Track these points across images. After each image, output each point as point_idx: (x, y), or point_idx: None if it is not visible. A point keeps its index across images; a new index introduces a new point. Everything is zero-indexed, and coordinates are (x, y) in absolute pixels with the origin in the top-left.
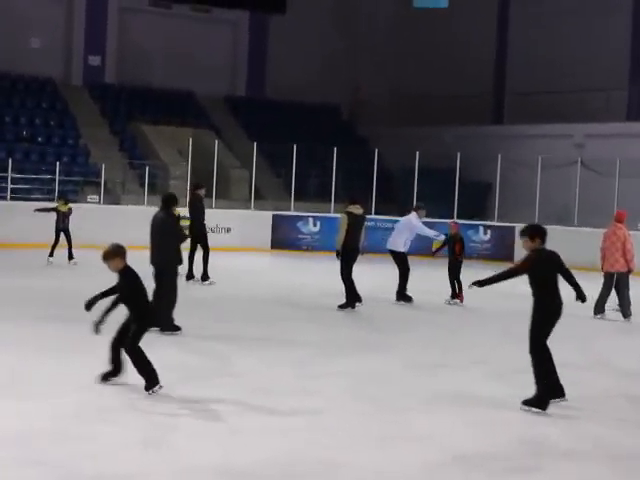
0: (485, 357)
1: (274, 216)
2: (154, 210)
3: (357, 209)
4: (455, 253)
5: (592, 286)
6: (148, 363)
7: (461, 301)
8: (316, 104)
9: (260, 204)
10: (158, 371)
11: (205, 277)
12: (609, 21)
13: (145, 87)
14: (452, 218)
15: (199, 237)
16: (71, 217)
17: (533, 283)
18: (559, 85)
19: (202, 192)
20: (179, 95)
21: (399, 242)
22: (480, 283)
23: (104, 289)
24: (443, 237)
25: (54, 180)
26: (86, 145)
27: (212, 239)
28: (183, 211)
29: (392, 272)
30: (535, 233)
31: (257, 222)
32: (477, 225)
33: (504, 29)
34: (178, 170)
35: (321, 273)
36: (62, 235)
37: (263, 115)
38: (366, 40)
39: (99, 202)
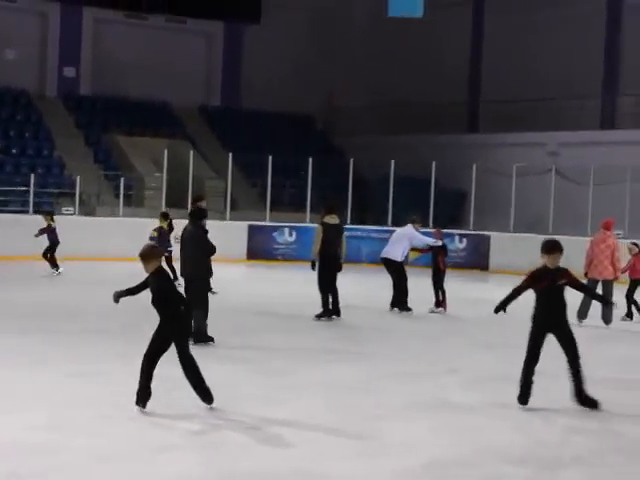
0: (459, 365)
1: (250, 226)
2: (129, 221)
3: (332, 219)
4: (438, 262)
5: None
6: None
7: (445, 309)
8: (291, 114)
9: (236, 214)
10: (136, 380)
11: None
12: (584, 29)
13: (120, 98)
14: (429, 227)
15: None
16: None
17: None
18: (533, 94)
19: (203, 204)
20: (154, 106)
21: (397, 252)
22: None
23: (134, 286)
24: (440, 243)
25: (28, 192)
26: (61, 157)
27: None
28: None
29: (370, 281)
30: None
31: (233, 232)
32: (452, 234)
33: (479, 38)
34: (153, 181)
35: (297, 283)
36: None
37: (238, 125)
38: (341, 49)
39: (74, 213)
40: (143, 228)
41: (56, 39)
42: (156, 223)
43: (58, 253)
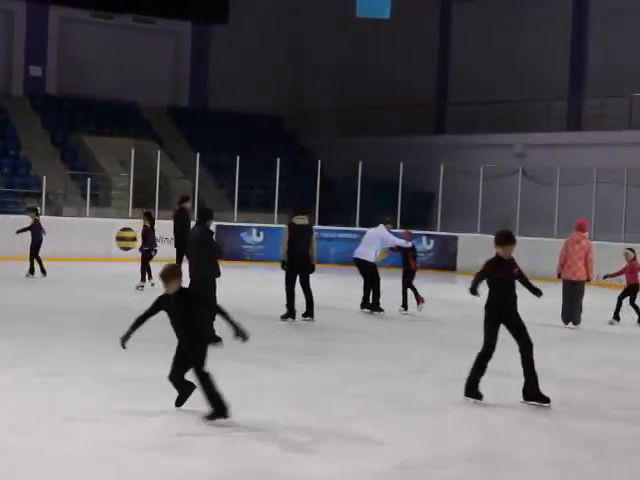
0: (427, 366)
1: (217, 227)
2: (96, 221)
3: (301, 219)
4: (408, 263)
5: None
6: (215, 388)
7: (422, 302)
8: (259, 115)
9: None
10: (103, 381)
11: None
12: (550, 32)
13: (87, 98)
14: (397, 228)
15: (184, 249)
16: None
17: None
18: (500, 95)
19: (188, 205)
20: (121, 106)
21: (370, 253)
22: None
23: (140, 316)
24: (410, 244)
25: None
26: (27, 156)
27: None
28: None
29: (339, 281)
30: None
31: None
32: (420, 235)
33: (446, 39)
34: (120, 181)
35: (265, 283)
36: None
37: (206, 126)
38: (309, 50)
39: (40, 213)
40: (110, 228)
41: (22, 38)
42: (125, 223)
43: (20, 252)
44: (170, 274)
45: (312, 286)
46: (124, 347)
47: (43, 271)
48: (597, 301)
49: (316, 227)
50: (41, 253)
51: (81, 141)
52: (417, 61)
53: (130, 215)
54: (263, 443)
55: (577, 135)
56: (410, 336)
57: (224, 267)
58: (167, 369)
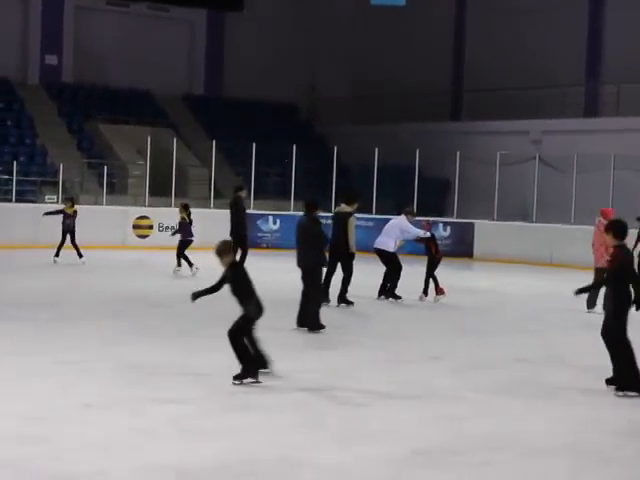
0: (444, 352)
1: None
2: (111, 209)
3: (340, 207)
4: (432, 251)
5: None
6: (248, 353)
7: (442, 293)
8: (274, 102)
9: (219, 203)
10: (119, 368)
11: None
12: (566, 18)
13: (103, 86)
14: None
15: (240, 238)
16: (63, 217)
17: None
18: (516, 82)
19: (243, 194)
20: (137, 94)
21: (389, 242)
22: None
23: (211, 285)
24: (429, 234)
25: (11, 180)
26: (43, 145)
27: (171, 238)
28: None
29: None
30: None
31: (216, 220)
32: (437, 222)
33: (461, 26)
34: (136, 169)
35: (281, 271)
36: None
37: (221, 113)
38: (324, 37)
39: (57, 202)
40: (126, 216)
41: (38, 27)
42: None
43: (39, 240)
44: (222, 250)
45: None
46: (193, 301)
47: (57, 255)
48: None
49: (331, 215)
50: (57, 240)
51: (97, 129)
52: (433, 47)
53: (146, 203)
54: (279, 431)
55: (594, 121)
56: (427, 323)
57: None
58: (184, 357)
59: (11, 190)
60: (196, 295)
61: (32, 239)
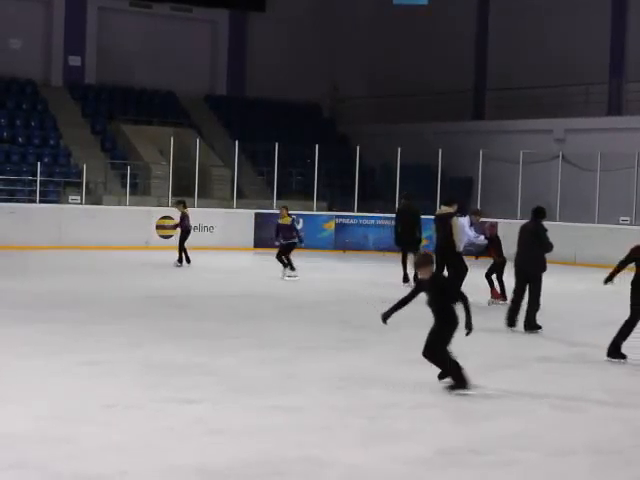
0: (469, 351)
1: (256, 214)
2: (135, 210)
3: (441, 210)
4: (492, 255)
5: (571, 279)
6: (456, 365)
7: (498, 298)
8: (297, 102)
9: (242, 203)
10: (143, 369)
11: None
12: (589, 15)
13: (125, 87)
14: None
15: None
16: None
17: None
18: (539, 80)
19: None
20: (160, 94)
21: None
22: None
23: (403, 298)
24: (482, 237)
25: (35, 181)
26: (67, 146)
27: (194, 238)
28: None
29: (378, 270)
30: None
31: (239, 221)
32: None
33: (484, 24)
34: (159, 169)
35: (304, 271)
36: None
37: (244, 114)
38: (346, 37)
39: (81, 202)
40: (149, 217)
41: (61, 28)
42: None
43: (62, 241)
44: (422, 262)
45: (354, 273)
46: (385, 323)
47: (188, 260)
48: None
49: (354, 215)
50: (81, 241)
51: (120, 130)
52: (455, 46)
53: (169, 203)
54: (302, 431)
55: (617, 120)
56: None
57: (263, 255)
58: (207, 357)
59: (35, 191)
60: (386, 315)
61: (56, 240)
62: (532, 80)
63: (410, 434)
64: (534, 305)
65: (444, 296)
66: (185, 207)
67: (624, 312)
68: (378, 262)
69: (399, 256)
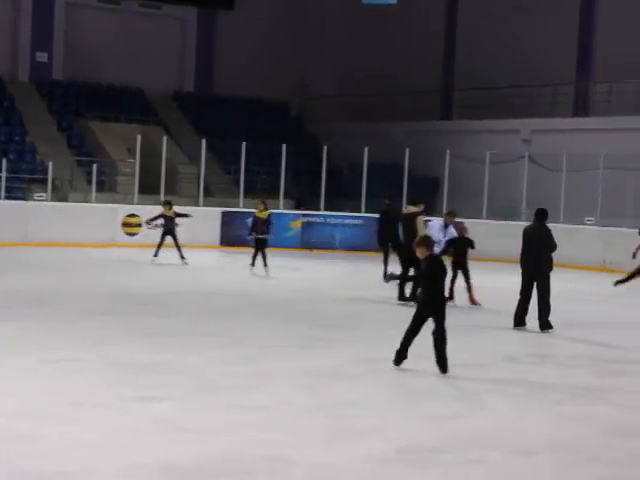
0: (432, 351)
1: (223, 213)
2: (101, 207)
3: (408, 209)
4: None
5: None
6: (405, 346)
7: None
8: (265, 100)
9: (209, 201)
10: (109, 367)
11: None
12: (557, 17)
13: (93, 84)
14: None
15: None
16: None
17: None
18: (507, 81)
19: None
20: (127, 91)
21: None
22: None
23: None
24: (439, 239)
25: (0, 177)
26: (33, 142)
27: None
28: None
29: (345, 269)
30: None
31: (206, 219)
32: (426, 221)
33: (452, 25)
34: (126, 167)
35: (270, 269)
36: (169, 237)
37: (212, 111)
38: (315, 36)
39: (46, 199)
40: (115, 214)
41: (28, 24)
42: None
43: (28, 238)
44: (419, 243)
45: (318, 274)
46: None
47: (156, 255)
48: None
49: (321, 214)
50: (46, 238)
51: (87, 127)
52: (423, 46)
53: (136, 201)
54: (267, 428)
55: (584, 121)
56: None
57: (230, 253)
58: (173, 355)
59: (0, 187)
60: (391, 276)
61: (21, 237)
62: (499, 81)
63: (375, 432)
64: (547, 305)
65: (433, 280)
66: (170, 209)
67: (591, 311)
68: (345, 261)
69: (367, 255)
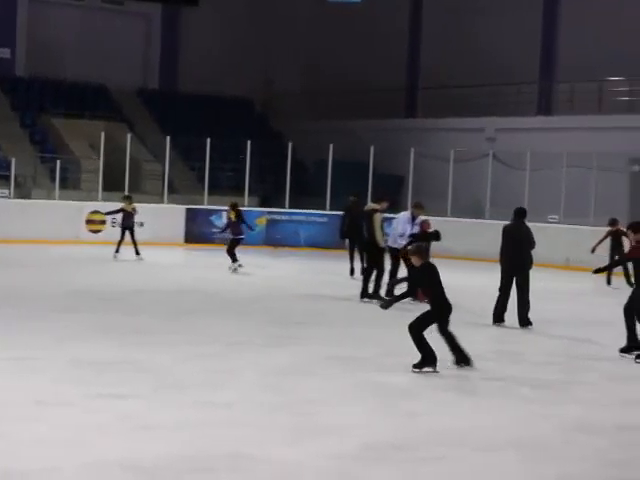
0: (396, 349)
1: (187, 210)
2: (64, 204)
3: (368, 205)
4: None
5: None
6: (427, 345)
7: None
8: (230, 97)
9: (173, 198)
10: (74, 364)
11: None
12: (521, 16)
13: (56, 80)
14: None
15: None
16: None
17: None
18: (471, 79)
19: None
20: (91, 88)
21: (394, 238)
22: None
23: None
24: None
25: None
26: None
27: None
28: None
29: (309, 266)
30: None
31: (170, 216)
32: (390, 218)
33: (417, 24)
34: (90, 164)
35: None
36: (127, 233)
37: (176, 108)
38: (280, 33)
39: (9, 196)
40: (79, 211)
41: None
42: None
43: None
44: (414, 251)
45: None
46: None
47: (117, 251)
48: None
49: (286, 211)
50: (9, 235)
51: (50, 124)
52: (388, 45)
53: (100, 198)
54: (231, 426)
55: (547, 119)
56: (383, 320)
57: (194, 250)
58: (138, 353)
59: None
60: (389, 304)
61: None
62: (464, 79)
63: (339, 430)
64: (526, 301)
65: (433, 284)
66: (130, 203)
67: (559, 310)
68: (309, 258)
69: (331, 252)
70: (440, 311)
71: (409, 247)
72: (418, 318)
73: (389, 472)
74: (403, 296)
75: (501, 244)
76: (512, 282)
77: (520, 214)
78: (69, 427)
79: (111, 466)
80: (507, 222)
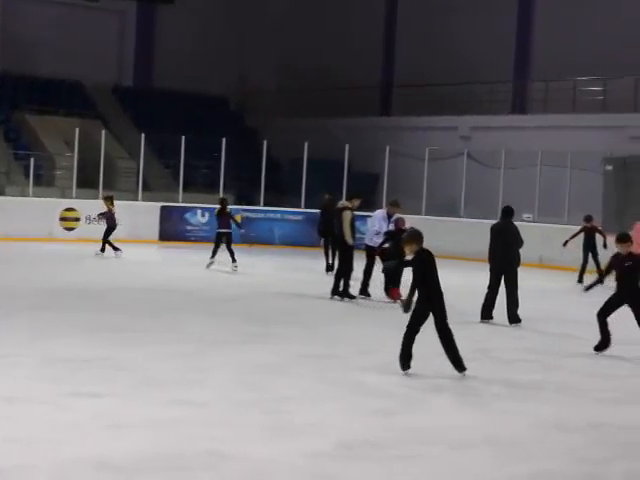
0: (371, 347)
1: (162, 207)
2: (38, 201)
3: (340, 202)
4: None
5: (477, 275)
6: (407, 347)
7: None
8: (204, 95)
9: (148, 195)
10: (46, 362)
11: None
12: (495, 15)
13: (31, 76)
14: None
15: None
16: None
17: None
18: (445, 77)
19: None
20: (66, 85)
21: (370, 237)
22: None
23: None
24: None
25: None
26: None
27: (99, 231)
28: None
29: (284, 264)
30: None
31: (145, 213)
32: (364, 216)
33: (392, 22)
34: (64, 161)
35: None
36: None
37: (151, 105)
38: (255, 30)
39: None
40: (53, 208)
41: None
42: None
43: None
44: (408, 239)
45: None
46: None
47: (116, 249)
48: None
49: (261, 208)
50: None
51: (24, 120)
52: (363, 43)
53: (74, 195)
54: (206, 424)
55: (522, 118)
56: (357, 318)
57: (169, 248)
58: (112, 351)
59: None
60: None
61: None
62: (438, 77)
63: (314, 428)
64: (516, 299)
65: (425, 273)
66: (112, 203)
67: (535, 309)
68: (284, 256)
69: (306, 250)
70: (441, 301)
71: (403, 236)
72: (438, 319)
73: (364, 470)
74: (397, 273)
75: (489, 243)
76: (500, 280)
77: (508, 213)
78: (41, 425)
79: (85, 464)
80: (482, 220)
